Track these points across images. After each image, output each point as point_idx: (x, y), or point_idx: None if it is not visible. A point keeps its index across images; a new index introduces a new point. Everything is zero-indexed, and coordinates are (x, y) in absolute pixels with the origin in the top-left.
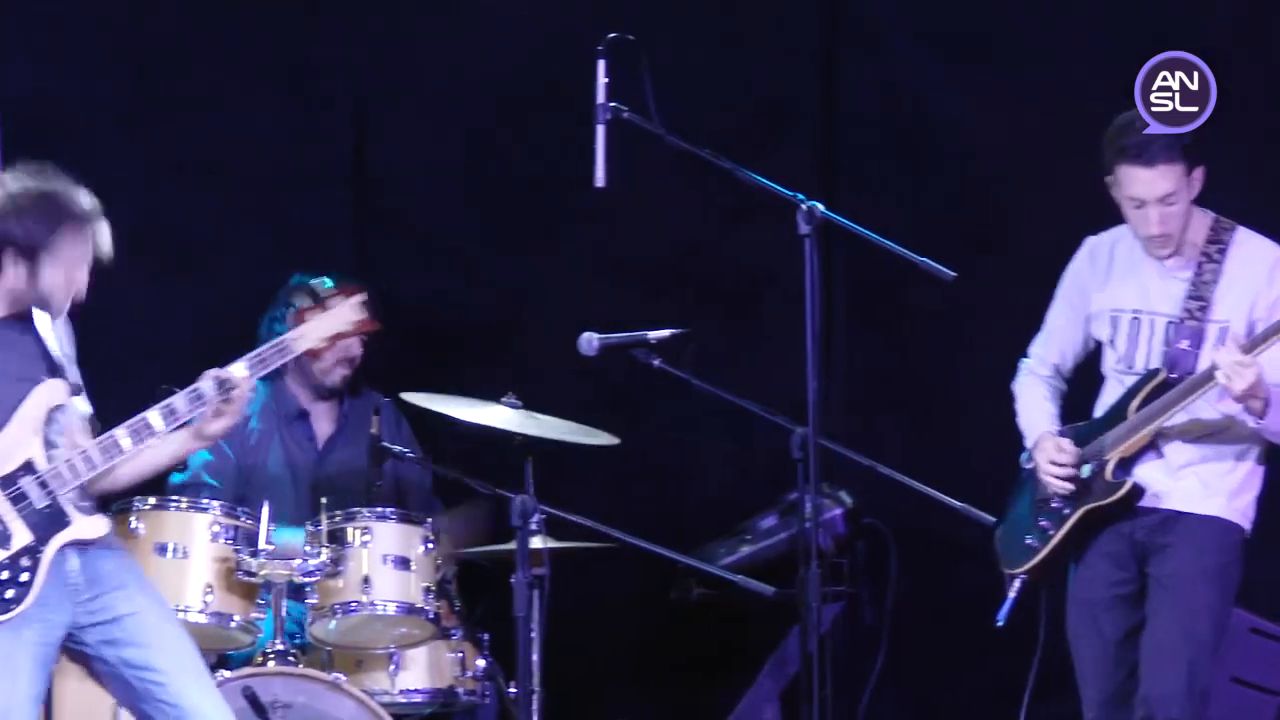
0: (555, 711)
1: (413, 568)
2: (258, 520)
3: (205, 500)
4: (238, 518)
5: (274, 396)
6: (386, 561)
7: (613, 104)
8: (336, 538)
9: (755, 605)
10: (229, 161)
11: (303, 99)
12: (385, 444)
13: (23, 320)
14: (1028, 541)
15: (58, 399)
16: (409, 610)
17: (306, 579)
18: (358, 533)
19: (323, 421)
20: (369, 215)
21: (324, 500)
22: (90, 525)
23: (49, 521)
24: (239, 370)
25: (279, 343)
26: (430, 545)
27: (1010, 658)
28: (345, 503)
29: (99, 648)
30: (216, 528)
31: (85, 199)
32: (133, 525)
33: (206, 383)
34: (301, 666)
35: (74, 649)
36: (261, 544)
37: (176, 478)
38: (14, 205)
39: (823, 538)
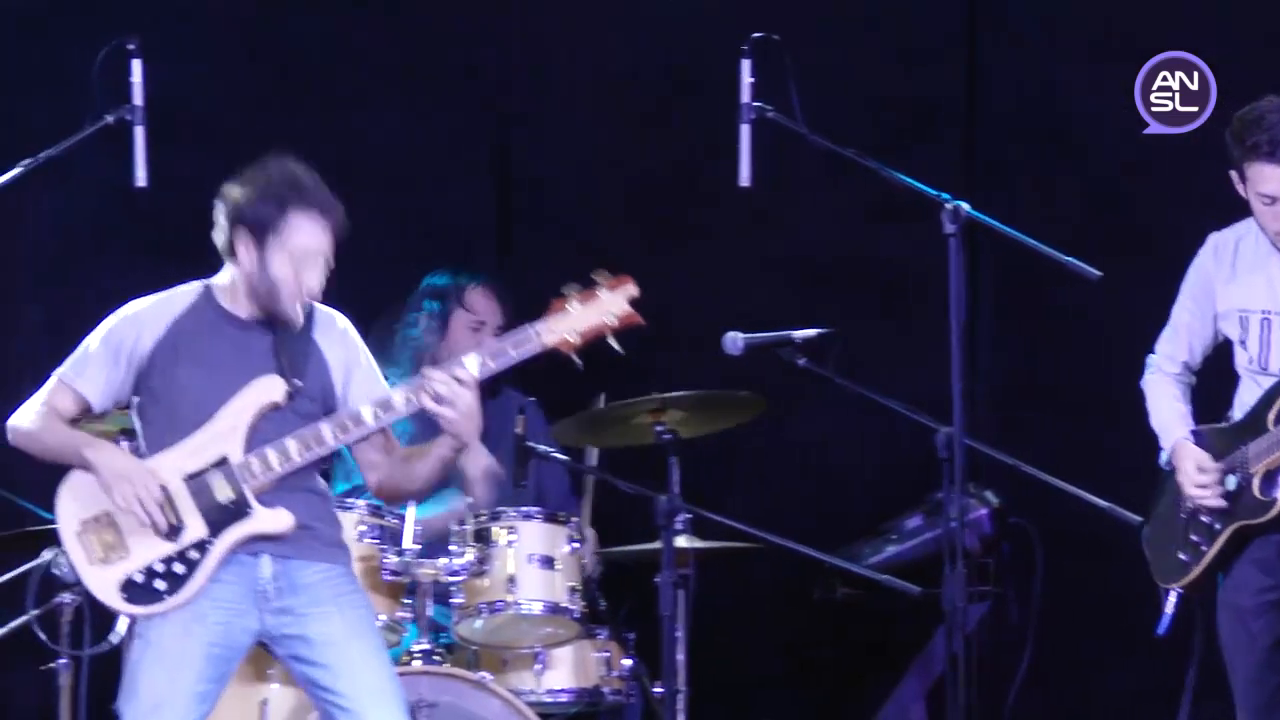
0: (700, 711)
1: (558, 567)
2: (403, 519)
3: (351, 500)
4: (383, 517)
5: None
6: (532, 561)
7: (757, 103)
8: (482, 537)
9: (901, 605)
10: (373, 162)
11: (447, 98)
12: (531, 444)
13: (267, 323)
14: (1180, 557)
15: (270, 396)
16: (554, 609)
17: (452, 578)
18: (503, 532)
19: None
20: (512, 214)
21: (470, 500)
22: (271, 519)
23: (227, 515)
24: (470, 363)
25: (522, 333)
26: (575, 545)
27: (1156, 659)
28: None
29: (287, 660)
30: (362, 527)
31: (327, 197)
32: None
33: (429, 375)
34: (447, 666)
35: (269, 652)
36: (407, 543)
37: (339, 486)
38: (252, 187)
39: (968, 538)
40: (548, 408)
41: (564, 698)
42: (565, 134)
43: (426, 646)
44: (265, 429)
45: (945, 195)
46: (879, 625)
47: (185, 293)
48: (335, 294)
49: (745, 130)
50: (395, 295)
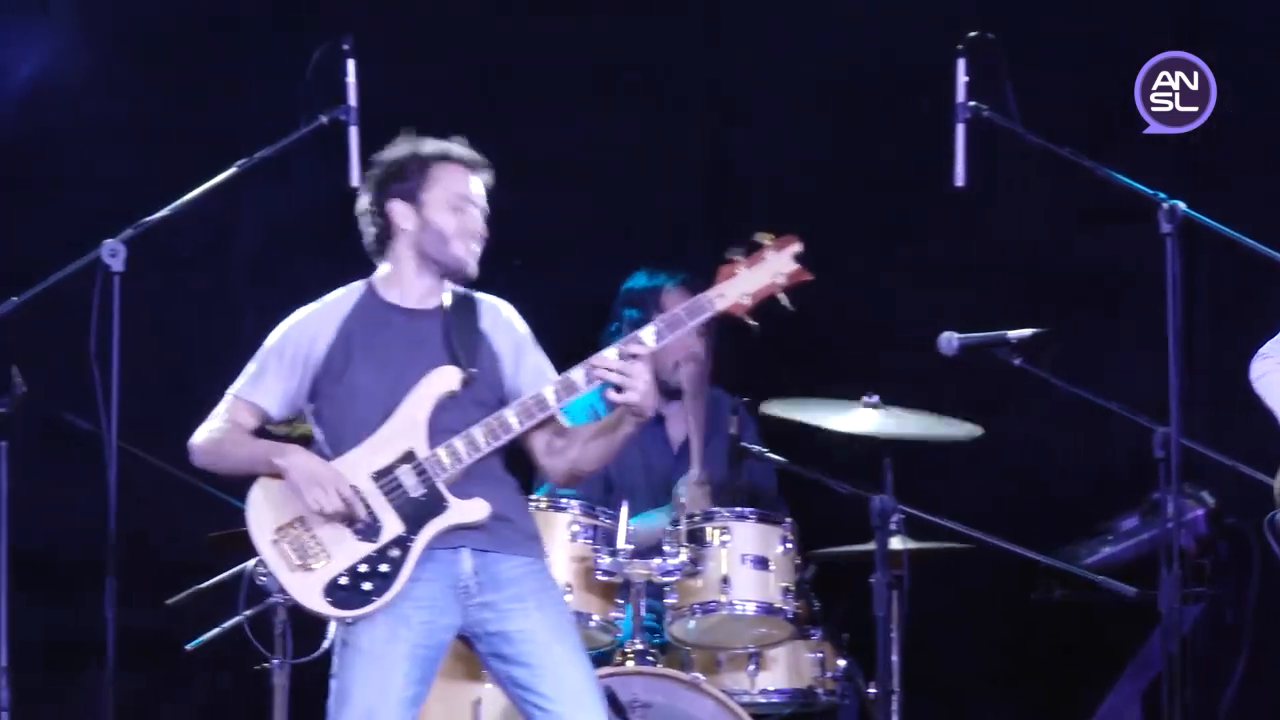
0: (914, 712)
1: (771, 567)
2: (616, 519)
3: (564, 500)
4: (596, 517)
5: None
6: (745, 561)
7: (973, 103)
8: (695, 537)
9: (1117, 606)
10: (587, 162)
11: (659, 98)
12: (745, 444)
13: (434, 311)
14: None
15: (448, 385)
16: (768, 610)
17: (665, 579)
18: (717, 532)
19: (678, 424)
20: (724, 214)
21: (683, 501)
22: (468, 509)
23: (422, 510)
24: (646, 335)
25: (696, 301)
26: (789, 545)
27: None
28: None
29: (486, 658)
30: (575, 527)
31: (461, 147)
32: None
33: (605, 351)
34: (660, 666)
35: (471, 647)
36: (620, 543)
37: (541, 490)
38: (391, 166)
39: (1185, 538)
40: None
41: (778, 698)
42: (777, 133)
43: (640, 647)
44: (444, 419)
45: (1161, 195)
46: (1095, 626)
47: (349, 292)
48: (550, 294)
49: (960, 129)
50: (608, 295)
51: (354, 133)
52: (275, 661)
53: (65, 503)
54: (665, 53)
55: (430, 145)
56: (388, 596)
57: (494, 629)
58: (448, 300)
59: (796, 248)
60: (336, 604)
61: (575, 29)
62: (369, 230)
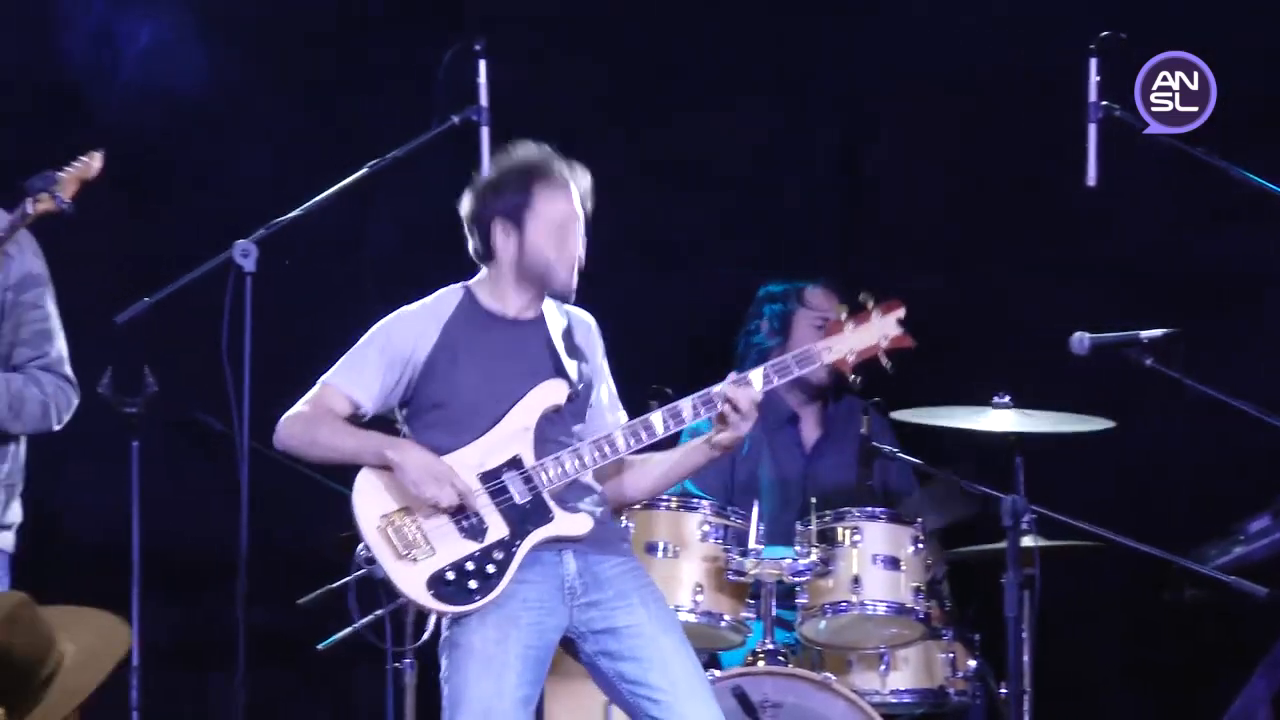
0: (1045, 712)
1: (903, 568)
2: (748, 520)
3: (695, 499)
4: (728, 517)
5: (763, 404)
6: (876, 561)
7: (1105, 102)
8: (826, 537)
9: (1248, 607)
10: (717, 162)
11: (791, 99)
12: (876, 444)
13: (534, 321)
14: None
15: (556, 399)
16: (899, 610)
17: (796, 579)
18: (847, 532)
19: (810, 426)
20: (856, 215)
21: (813, 500)
22: (572, 523)
23: (527, 517)
24: (756, 378)
25: (804, 352)
26: (920, 546)
27: None
28: (833, 504)
29: (595, 657)
30: (706, 527)
31: (560, 163)
32: (624, 524)
33: (719, 387)
34: (791, 666)
35: (571, 650)
36: (751, 543)
37: (671, 490)
38: (493, 182)
39: None
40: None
41: (908, 698)
42: (910, 134)
43: (771, 647)
44: (546, 429)
45: None
46: (1226, 626)
47: (449, 295)
48: (679, 295)
49: (1092, 130)
50: (743, 296)
51: (485, 133)
52: (406, 661)
53: (196, 502)
54: (798, 54)
55: (533, 161)
56: (491, 597)
57: (600, 627)
58: (548, 312)
59: (900, 313)
60: (439, 598)
61: (708, 30)
62: (475, 240)
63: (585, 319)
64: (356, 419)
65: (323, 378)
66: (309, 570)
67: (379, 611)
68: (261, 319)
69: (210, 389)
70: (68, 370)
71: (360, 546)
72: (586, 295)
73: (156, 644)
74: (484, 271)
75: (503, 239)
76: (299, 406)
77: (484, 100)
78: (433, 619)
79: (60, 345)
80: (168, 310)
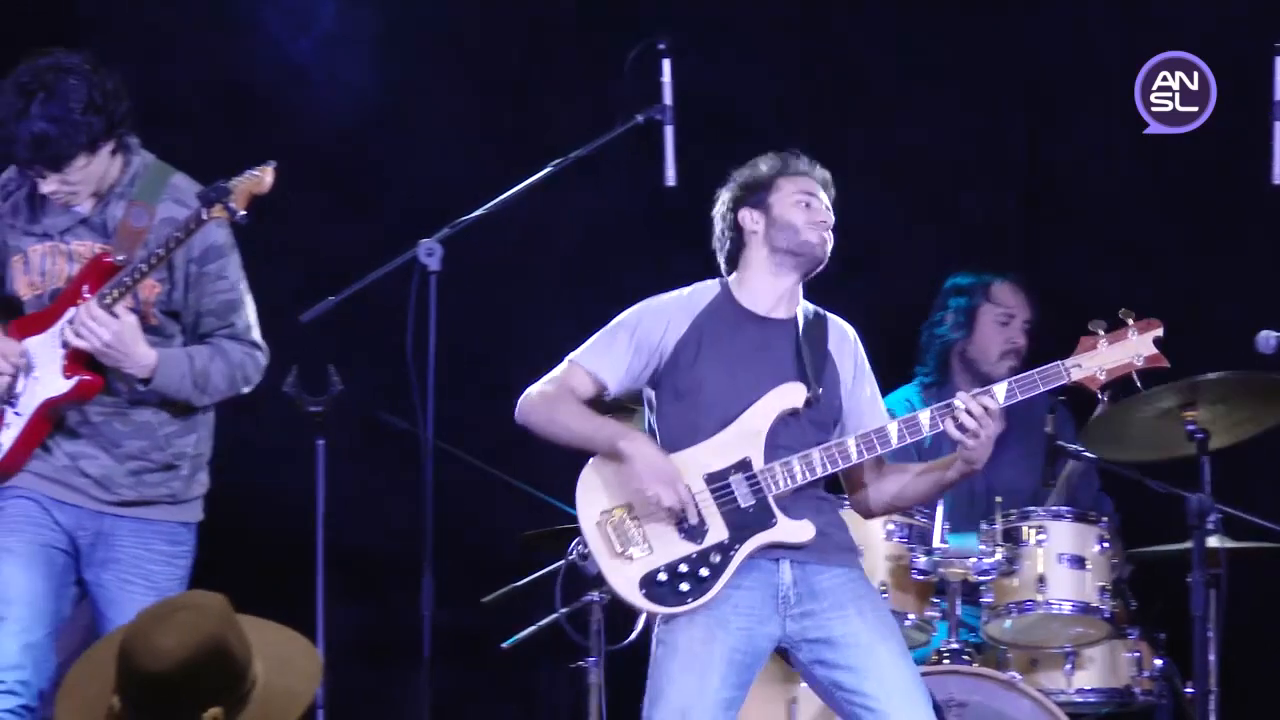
0: (1232, 712)
1: (1088, 566)
2: (932, 519)
3: None
4: (912, 516)
5: (944, 397)
6: (1062, 560)
7: None
8: (1011, 537)
9: None
10: (900, 158)
11: (974, 93)
12: (1061, 443)
13: (786, 322)
14: None
15: (792, 403)
16: (1084, 609)
17: (981, 578)
18: (1033, 531)
19: None
20: (1040, 212)
21: (999, 499)
22: (794, 530)
23: (749, 521)
24: (1000, 391)
25: (1050, 368)
26: (1105, 544)
27: None
28: (1018, 502)
29: (810, 665)
30: (891, 526)
31: (805, 159)
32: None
33: (960, 399)
34: (976, 665)
35: (788, 659)
36: (935, 543)
37: None
38: (742, 183)
39: None
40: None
41: (1094, 698)
42: (1092, 131)
43: (956, 646)
44: (780, 434)
45: None
46: None
47: (705, 289)
48: (865, 294)
49: (1277, 128)
50: (927, 293)
51: (669, 132)
52: (591, 659)
53: (381, 501)
54: (982, 47)
55: (770, 161)
56: (703, 600)
57: (815, 636)
58: (800, 314)
59: (1158, 332)
60: (651, 598)
61: (890, 28)
62: (724, 248)
63: (843, 327)
64: (599, 400)
65: (570, 355)
66: (493, 569)
67: (564, 610)
68: (446, 317)
69: (395, 388)
70: (255, 336)
71: (576, 542)
72: None
73: (341, 642)
74: (738, 270)
75: (750, 223)
76: (543, 383)
77: (668, 99)
78: (642, 619)
79: (247, 313)
80: (353, 309)
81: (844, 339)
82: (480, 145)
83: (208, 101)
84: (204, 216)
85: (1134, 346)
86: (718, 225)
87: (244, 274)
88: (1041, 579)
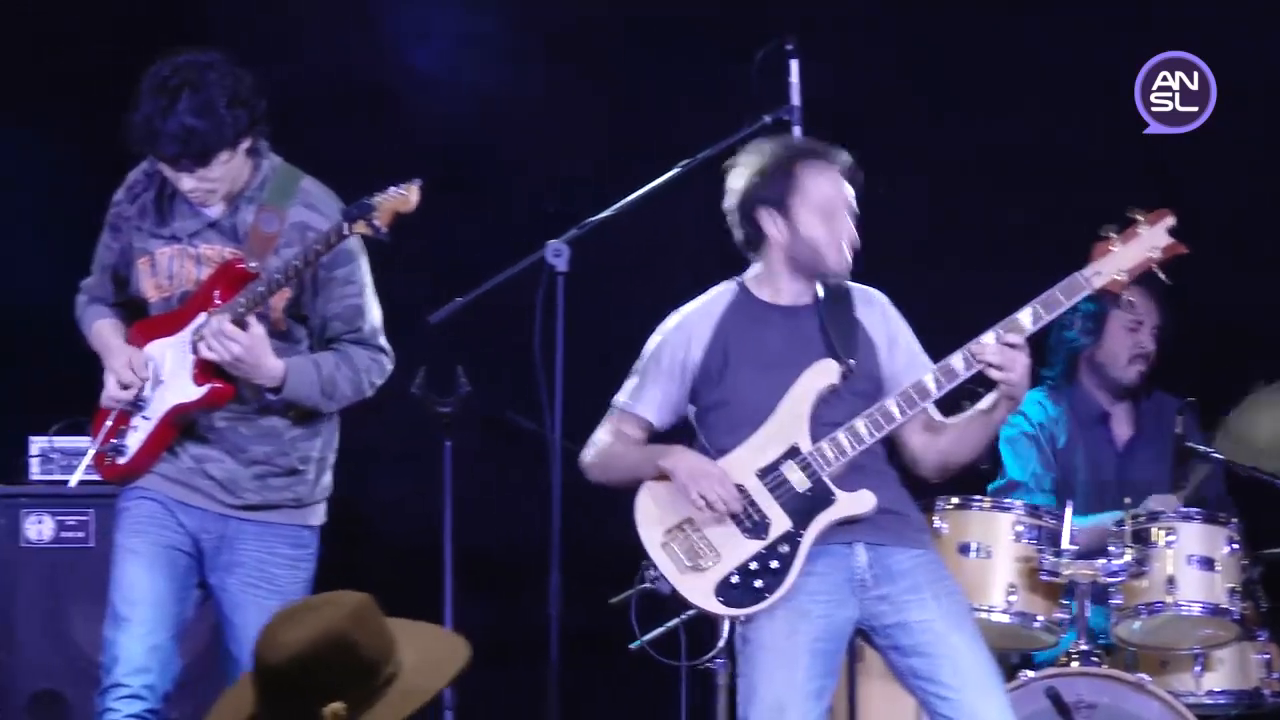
0: None
1: (1217, 568)
2: (1061, 520)
3: (1008, 500)
4: (1040, 518)
5: (1074, 401)
6: (1191, 562)
7: None
8: (1140, 538)
9: None
10: (1031, 158)
11: (1096, 98)
12: (1190, 444)
13: (808, 307)
14: None
15: (827, 380)
16: (1213, 611)
17: (1110, 579)
18: (1162, 533)
19: (1122, 424)
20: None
21: (1128, 500)
22: (854, 501)
23: (809, 504)
24: (1024, 316)
25: (1071, 280)
26: (1235, 546)
27: None
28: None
29: (886, 651)
30: (1019, 527)
31: (828, 147)
32: (936, 524)
33: (984, 337)
34: (1105, 667)
35: (870, 642)
36: (1064, 544)
37: (994, 485)
38: (756, 170)
39: None
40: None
41: (1223, 700)
42: (1218, 137)
43: (1085, 648)
44: (825, 412)
45: None
46: None
47: (721, 293)
48: (997, 291)
49: None
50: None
51: (797, 132)
52: (719, 661)
53: (508, 502)
54: (1111, 47)
55: (794, 146)
56: (779, 593)
57: (891, 621)
58: (821, 292)
59: (1170, 221)
60: (729, 603)
61: (1013, 27)
62: (741, 232)
63: (871, 294)
64: (653, 435)
65: (613, 399)
66: (620, 569)
67: (690, 612)
68: (574, 319)
69: (523, 389)
70: (381, 341)
71: (646, 566)
72: (901, 289)
73: (470, 641)
74: (756, 265)
75: (770, 227)
76: (596, 433)
77: (796, 99)
78: (725, 624)
79: (373, 318)
80: (481, 310)
81: (870, 303)
82: (608, 146)
83: (333, 103)
84: (346, 232)
85: (1148, 240)
86: (730, 215)
87: (371, 278)
88: (1171, 580)
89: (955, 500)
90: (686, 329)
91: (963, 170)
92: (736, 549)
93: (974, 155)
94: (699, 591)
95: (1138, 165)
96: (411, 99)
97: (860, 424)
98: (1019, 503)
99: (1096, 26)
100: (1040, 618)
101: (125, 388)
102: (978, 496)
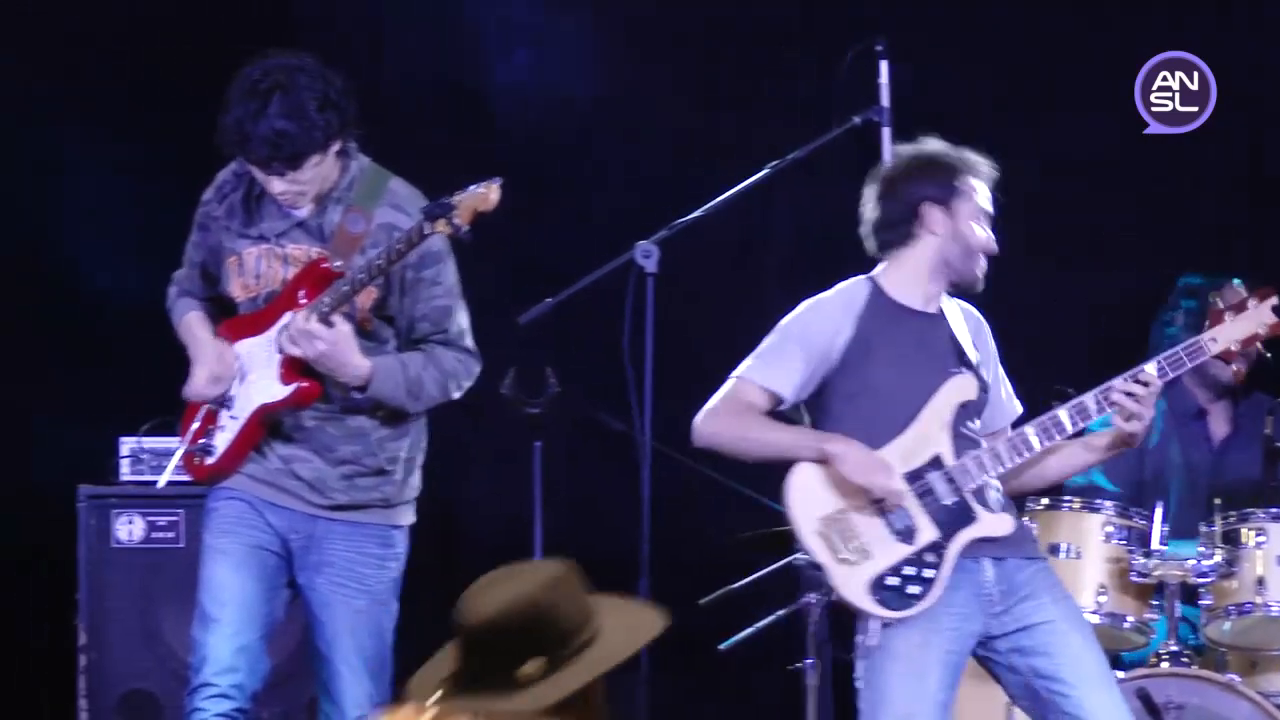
0: None
1: None
2: (1151, 521)
3: (1098, 501)
4: (1131, 518)
5: (1172, 396)
6: None
7: None
8: (1230, 539)
9: None
10: (1122, 159)
11: (1199, 93)
12: None
13: (938, 315)
14: None
15: (968, 394)
16: None
17: (1200, 580)
18: (1251, 533)
19: (1219, 422)
20: (1266, 215)
21: (1217, 501)
22: (996, 523)
23: (954, 518)
24: (1150, 370)
25: (1193, 344)
26: None
27: None
28: (1239, 504)
29: (1009, 655)
30: (1110, 528)
31: (979, 158)
32: (1026, 525)
33: (1118, 381)
34: (1195, 668)
35: (981, 655)
36: (1154, 544)
37: (1074, 480)
38: (923, 164)
39: None
40: None
41: None
42: None
43: (1175, 648)
44: (957, 427)
45: None
46: None
47: (857, 288)
48: (1088, 293)
49: None
50: (1145, 296)
51: (886, 134)
52: (808, 661)
53: (598, 502)
54: (1206, 48)
55: (958, 150)
56: (928, 601)
57: (1014, 627)
58: (947, 306)
59: (1275, 300)
60: (881, 603)
61: (1108, 27)
62: (893, 223)
63: (975, 313)
64: (773, 413)
65: (736, 373)
66: (710, 571)
67: (780, 612)
68: (663, 319)
69: (612, 389)
70: (468, 343)
71: (799, 552)
72: (991, 293)
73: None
74: (887, 263)
75: (933, 223)
76: (716, 404)
77: (885, 101)
78: (874, 624)
79: (460, 319)
80: (570, 311)
81: (980, 325)
82: (697, 147)
83: (421, 105)
84: (427, 231)
85: (1257, 316)
86: (889, 202)
87: (459, 279)
88: (1260, 581)
89: (1045, 501)
90: (831, 317)
91: (1053, 171)
92: (887, 550)
93: (1064, 155)
94: (851, 585)
95: (1239, 163)
96: (500, 100)
97: (1002, 448)
98: (1109, 503)
99: (1169, 24)
100: (1130, 618)
101: (215, 380)
102: (1067, 497)
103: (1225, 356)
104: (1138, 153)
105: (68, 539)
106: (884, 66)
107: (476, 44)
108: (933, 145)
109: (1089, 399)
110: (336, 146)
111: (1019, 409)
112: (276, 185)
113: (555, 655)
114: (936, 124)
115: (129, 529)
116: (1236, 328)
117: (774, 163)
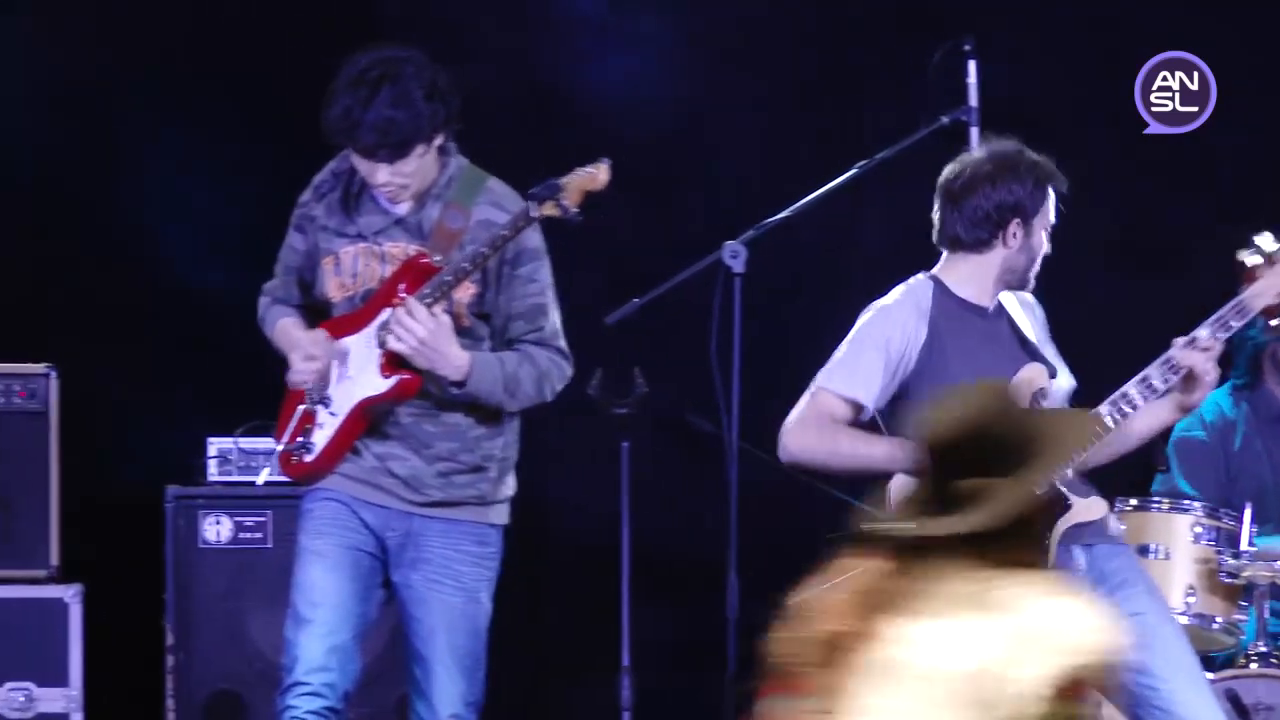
0: None
1: None
2: (1240, 521)
3: (1187, 501)
4: (1219, 519)
5: (1255, 401)
6: None
7: None
8: None
9: None
10: (1207, 160)
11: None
12: None
13: (999, 309)
14: None
15: (1040, 383)
16: None
17: None
18: None
19: None
20: None
21: None
22: (1088, 508)
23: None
24: (1202, 333)
25: (1237, 303)
26: None
27: None
28: None
29: None
30: (1198, 529)
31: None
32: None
33: (1175, 351)
34: None
35: None
36: (1243, 545)
37: (1158, 484)
38: (1013, 169)
39: None
40: None
41: None
42: None
43: (1264, 649)
44: None
45: None
46: None
47: (922, 287)
48: (1170, 296)
49: None
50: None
51: (975, 134)
52: None
53: (686, 503)
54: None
55: (1046, 164)
56: None
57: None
58: (1005, 299)
59: None
60: None
61: (1198, 24)
62: (972, 226)
63: (1031, 298)
64: (855, 423)
65: (816, 384)
66: (798, 571)
67: None
68: (751, 320)
69: (699, 390)
70: (561, 343)
71: None
72: (1074, 290)
73: (646, 645)
74: (951, 260)
75: (1012, 237)
76: (799, 418)
77: (973, 100)
78: None
79: (554, 318)
80: (657, 311)
81: (1034, 308)
82: (784, 147)
83: (507, 105)
84: (533, 214)
85: None
86: (971, 204)
87: (554, 281)
88: None
89: (1134, 501)
90: (904, 321)
91: (1139, 171)
92: None
93: (1150, 156)
94: None
95: None
96: (587, 100)
97: None
98: (1197, 504)
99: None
100: (1219, 619)
101: (309, 359)
102: (1156, 498)
103: (1269, 312)
104: (1217, 151)
105: (156, 539)
106: (972, 66)
107: (564, 45)
108: (1020, 152)
109: (1153, 371)
110: (440, 140)
111: (1073, 381)
112: (381, 175)
113: (1001, 472)
114: (1024, 124)
115: (216, 529)
116: (1272, 282)
117: (862, 163)
